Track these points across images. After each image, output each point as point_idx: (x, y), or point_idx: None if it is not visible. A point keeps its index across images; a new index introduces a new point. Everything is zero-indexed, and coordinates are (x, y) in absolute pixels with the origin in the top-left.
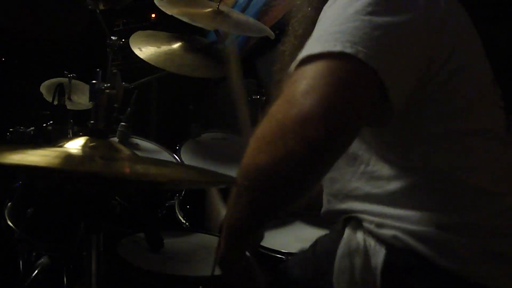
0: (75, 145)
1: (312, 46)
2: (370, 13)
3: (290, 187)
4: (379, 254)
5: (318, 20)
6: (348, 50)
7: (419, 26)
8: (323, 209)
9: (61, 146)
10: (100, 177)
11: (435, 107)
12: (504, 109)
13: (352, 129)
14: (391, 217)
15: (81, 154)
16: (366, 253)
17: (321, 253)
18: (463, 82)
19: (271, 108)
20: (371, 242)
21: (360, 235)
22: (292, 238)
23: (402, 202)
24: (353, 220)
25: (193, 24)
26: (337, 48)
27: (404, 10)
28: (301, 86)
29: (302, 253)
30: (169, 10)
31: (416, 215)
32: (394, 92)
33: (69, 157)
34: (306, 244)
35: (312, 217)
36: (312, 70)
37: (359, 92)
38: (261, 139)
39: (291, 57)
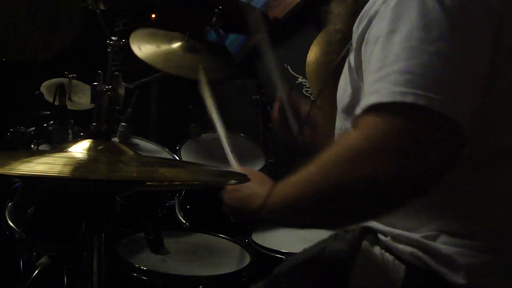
0: (79, 149)
1: (378, 88)
2: (436, 40)
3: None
4: (398, 270)
5: (376, 30)
6: (422, 101)
7: (483, 35)
8: None
9: (65, 151)
10: (114, 183)
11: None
12: None
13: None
14: (407, 228)
15: (88, 159)
16: (385, 269)
17: (332, 263)
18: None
19: (339, 149)
20: (389, 258)
21: (377, 250)
22: (292, 238)
23: (419, 215)
24: (370, 233)
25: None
26: (409, 99)
27: (468, 23)
28: (374, 144)
29: (308, 258)
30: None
31: (435, 226)
32: (468, 132)
33: (78, 164)
34: (307, 244)
35: None
36: (383, 128)
37: (437, 150)
38: (323, 181)
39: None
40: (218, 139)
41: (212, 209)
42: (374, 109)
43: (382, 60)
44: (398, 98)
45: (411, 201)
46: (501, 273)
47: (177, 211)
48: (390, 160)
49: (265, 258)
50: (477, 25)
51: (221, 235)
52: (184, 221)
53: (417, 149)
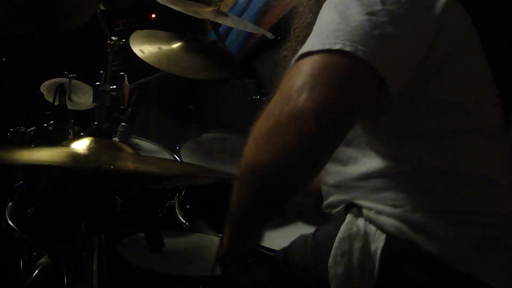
0: (80, 145)
1: (311, 43)
2: (369, 14)
3: (289, 181)
4: (379, 240)
5: (318, 17)
6: (347, 48)
7: (415, 28)
8: (326, 201)
9: (67, 146)
10: (108, 173)
11: (430, 105)
12: (502, 108)
13: (345, 125)
14: (390, 204)
15: (88, 153)
16: (366, 238)
17: (321, 238)
18: (458, 82)
19: (269, 104)
20: (372, 228)
21: (361, 221)
22: (292, 238)
23: (400, 190)
24: (354, 207)
25: (197, 16)
26: (337, 46)
27: (402, 13)
28: (297, 82)
29: (303, 239)
30: (174, 7)
31: (413, 203)
32: (394, 86)
33: (78, 156)
34: None
35: (312, 217)
36: (308, 66)
37: (355, 89)
38: (258, 135)
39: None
40: (218, 139)
41: (212, 209)
42: (304, 56)
43: (319, 27)
44: (326, 46)
45: (334, 138)
46: (472, 243)
47: (177, 211)
48: (315, 93)
49: (265, 258)
50: (416, 18)
51: (221, 235)
52: (184, 221)
53: (338, 85)
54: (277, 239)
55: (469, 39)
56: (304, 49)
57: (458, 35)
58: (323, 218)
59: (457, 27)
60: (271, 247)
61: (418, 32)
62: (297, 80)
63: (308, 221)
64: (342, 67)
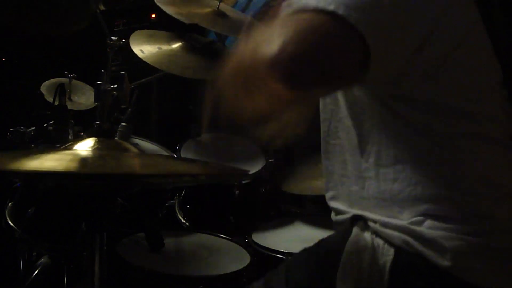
0: (84, 147)
1: (306, 2)
2: None
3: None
4: (387, 254)
5: None
6: (341, 11)
7: (418, 6)
8: (331, 192)
9: (70, 148)
10: (119, 178)
11: (431, 108)
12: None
13: (313, 85)
14: (394, 217)
15: (94, 156)
16: (374, 252)
17: (325, 252)
18: (459, 87)
19: (253, 35)
20: (379, 241)
21: (367, 235)
22: (292, 238)
23: (406, 185)
24: (360, 220)
25: (192, 22)
26: (331, 7)
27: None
28: (286, 33)
29: (306, 253)
30: (167, 9)
31: (418, 214)
32: (377, 59)
33: (85, 160)
34: (306, 244)
35: (312, 217)
36: (296, 20)
37: (338, 52)
38: (230, 71)
39: None
40: (218, 139)
41: (212, 209)
42: (298, 11)
43: None
44: (321, 4)
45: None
46: (484, 255)
47: (177, 211)
48: (292, 45)
49: (265, 258)
50: (414, 9)
51: (221, 235)
52: (184, 221)
53: (325, 46)
54: (277, 239)
55: (473, 39)
56: (299, 5)
57: (459, 35)
58: (323, 218)
59: (459, 26)
60: (272, 247)
61: (420, 11)
62: (286, 31)
63: (307, 221)
64: (330, 29)
